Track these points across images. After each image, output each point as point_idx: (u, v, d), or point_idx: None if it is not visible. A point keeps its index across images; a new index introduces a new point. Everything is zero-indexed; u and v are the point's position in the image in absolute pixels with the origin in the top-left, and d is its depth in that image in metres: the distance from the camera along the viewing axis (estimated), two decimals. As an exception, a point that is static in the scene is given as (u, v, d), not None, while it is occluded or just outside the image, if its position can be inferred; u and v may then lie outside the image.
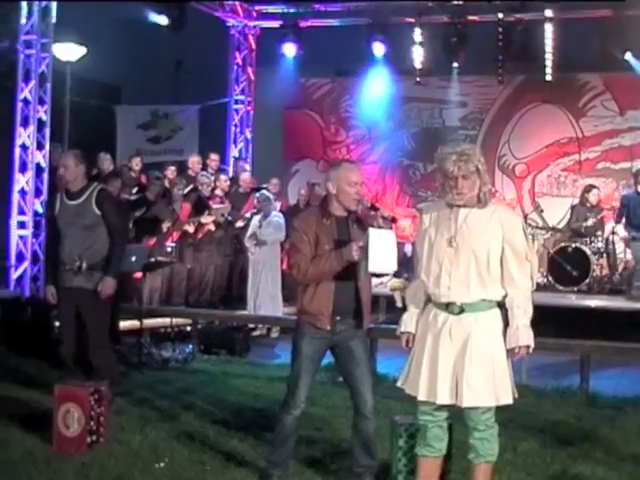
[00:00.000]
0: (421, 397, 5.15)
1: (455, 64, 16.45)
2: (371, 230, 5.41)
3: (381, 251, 5.37)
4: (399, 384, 5.35)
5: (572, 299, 13.31)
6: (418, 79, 17.10)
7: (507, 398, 5.10)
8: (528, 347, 5.07)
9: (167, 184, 13.32)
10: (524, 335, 5.05)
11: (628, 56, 15.67)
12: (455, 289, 5.05)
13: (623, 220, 13.44)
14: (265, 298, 12.21)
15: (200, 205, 13.00)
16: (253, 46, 17.87)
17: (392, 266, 5.47)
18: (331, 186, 5.65)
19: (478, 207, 5.09)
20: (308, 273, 5.61)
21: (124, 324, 10.29)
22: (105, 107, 17.61)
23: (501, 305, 5.12)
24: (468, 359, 5.02)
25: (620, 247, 14.57)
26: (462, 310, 5.06)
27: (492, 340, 5.07)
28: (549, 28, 15.72)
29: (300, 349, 5.69)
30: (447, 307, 5.10)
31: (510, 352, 5.06)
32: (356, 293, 5.65)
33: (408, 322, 5.31)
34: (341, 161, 5.89)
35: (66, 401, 6.47)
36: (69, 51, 14.82)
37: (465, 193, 5.04)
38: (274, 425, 5.83)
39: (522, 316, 5.09)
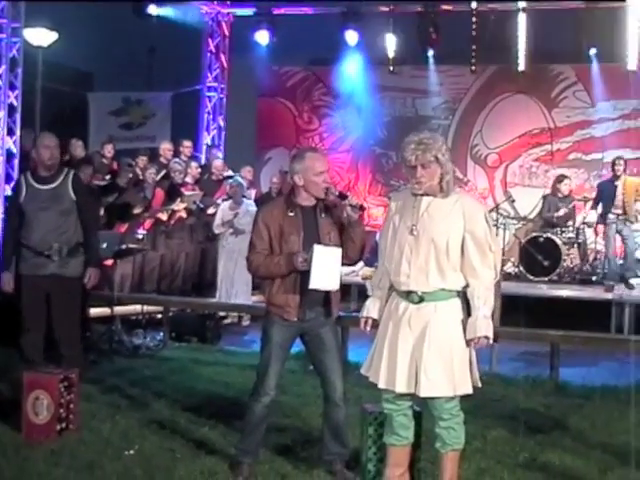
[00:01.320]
0: (381, 385, 5.20)
1: (428, 53, 16.50)
2: (316, 247, 5.41)
3: (324, 268, 5.39)
4: (363, 371, 5.39)
5: (543, 289, 13.37)
6: (391, 68, 17.14)
7: (466, 388, 5.11)
8: (487, 338, 5.06)
9: (138, 171, 13.27)
10: (483, 326, 5.03)
11: (592, 52, 15.83)
12: (414, 278, 5.07)
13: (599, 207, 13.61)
14: (240, 286, 12.18)
15: (172, 192, 12.96)
16: (226, 33, 17.85)
17: (334, 284, 5.49)
18: (297, 178, 5.62)
19: (441, 196, 5.10)
20: (259, 272, 5.70)
21: (95, 311, 10.24)
22: (77, 93, 17.52)
23: (462, 295, 5.12)
24: (426, 348, 5.04)
25: (591, 237, 14.65)
26: (422, 299, 5.08)
27: (451, 330, 5.08)
28: (522, 18, 15.80)
29: (270, 336, 5.69)
30: (407, 296, 5.12)
31: (469, 342, 5.07)
32: None
33: (370, 307, 5.36)
34: (304, 151, 5.77)
35: (35, 388, 6.43)
36: (40, 36, 14.72)
37: (424, 182, 5.07)
38: (244, 413, 5.83)
39: (482, 306, 5.06)
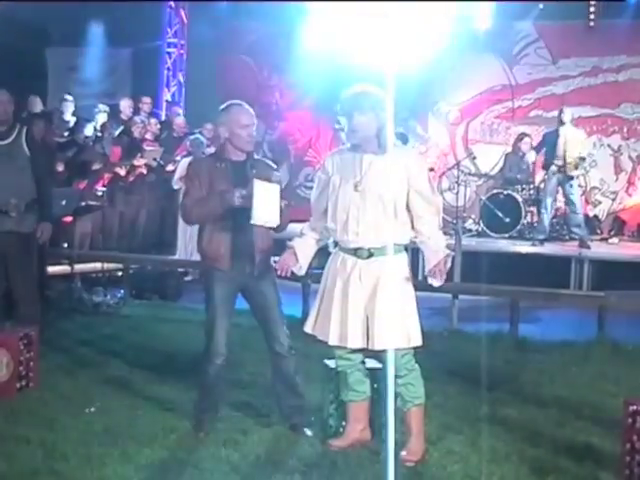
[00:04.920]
0: (332, 342, 5.28)
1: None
2: (256, 182, 5.41)
3: (265, 204, 5.40)
4: (307, 330, 5.44)
5: (503, 245, 13.44)
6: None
7: (419, 339, 5.23)
8: (447, 256, 5.18)
9: (98, 127, 13.17)
10: (441, 248, 5.20)
11: (540, 6, 15.85)
12: (364, 234, 5.16)
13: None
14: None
15: (132, 148, 12.86)
16: (186, -12, 17.68)
17: (275, 219, 5.49)
18: (223, 130, 5.68)
19: (381, 152, 5.18)
20: (192, 213, 5.67)
21: (54, 269, 10.17)
22: (35, 49, 17.25)
23: (407, 249, 5.30)
24: (379, 302, 5.13)
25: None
26: (371, 254, 5.17)
27: (401, 282, 5.18)
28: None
29: (212, 293, 5.70)
30: (355, 252, 5.19)
31: (431, 271, 5.16)
32: (253, 235, 5.63)
33: (297, 240, 5.55)
34: (231, 104, 5.81)
35: (-6, 346, 6.41)
36: (-5, -10, 14.46)
37: (358, 130, 5.13)
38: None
39: (438, 240, 5.23)
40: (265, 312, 5.77)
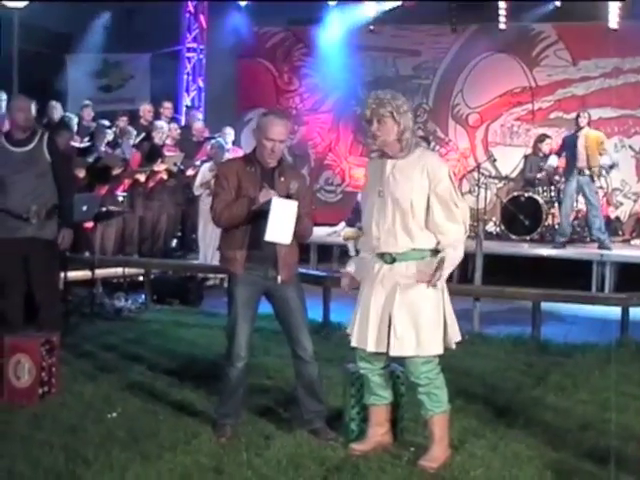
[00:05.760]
0: (353, 343, 5.33)
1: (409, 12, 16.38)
2: (274, 199, 5.41)
3: (280, 221, 5.40)
4: (348, 331, 5.44)
5: (524, 248, 13.40)
6: (372, 28, 17.02)
7: (436, 348, 5.18)
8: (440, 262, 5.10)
9: (118, 133, 13.20)
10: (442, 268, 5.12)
11: (557, 3, 15.75)
12: (384, 240, 5.18)
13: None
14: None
15: (153, 153, 12.89)
16: (205, -7, 17.69)
17: (287, 238, 5.47)
18: (252, 134, 5.73)
19: (402, 156, 5.20)
20: (222, 217, 5.65)
21: (76, 274, 10.18)
22: (55, 55, 17.31)
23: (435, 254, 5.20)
24: (396, 308, 5.13)
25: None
26: (394, 260, 5.18)
27: (421, 290, 5.14)
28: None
29: (234, 297, 5.72)
30: (382, 257, 5.22)
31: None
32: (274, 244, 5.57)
33: (351, 263, 5.49)
34: (272, 112, 5.75)
35: (17, 352, 6.42)
36: (16, -2, 14.51)
37: (379, 136, 5.17)
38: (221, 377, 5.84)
39: (454, 254, 5.17)
40: (288, 317, 5.76)
